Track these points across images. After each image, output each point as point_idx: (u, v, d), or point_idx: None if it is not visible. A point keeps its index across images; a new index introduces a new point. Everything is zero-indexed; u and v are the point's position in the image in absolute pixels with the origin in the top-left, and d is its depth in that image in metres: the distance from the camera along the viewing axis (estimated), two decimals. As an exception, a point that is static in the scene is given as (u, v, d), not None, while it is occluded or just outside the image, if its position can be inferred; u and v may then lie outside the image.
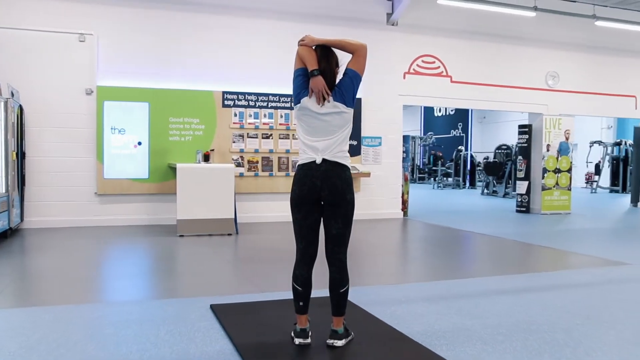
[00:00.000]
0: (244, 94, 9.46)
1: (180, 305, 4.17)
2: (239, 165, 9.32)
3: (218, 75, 9.36)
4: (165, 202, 8.88)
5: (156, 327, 3.62)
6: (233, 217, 8.00)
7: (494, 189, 17.61)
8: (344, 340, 3.28)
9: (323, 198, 3.22)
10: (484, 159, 21.83)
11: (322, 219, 3.31)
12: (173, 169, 8.78)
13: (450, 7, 10.57)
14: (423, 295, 4.68)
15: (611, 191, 19.48)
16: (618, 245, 7.86)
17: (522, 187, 12.10)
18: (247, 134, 9.49)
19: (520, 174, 12.14)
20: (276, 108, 9.64)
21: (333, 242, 3.29)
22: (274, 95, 9.62)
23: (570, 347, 3.39)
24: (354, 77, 3.27)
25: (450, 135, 28.74)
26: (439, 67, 10.92)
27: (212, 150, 9.08)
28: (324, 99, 3.20)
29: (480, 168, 19.16)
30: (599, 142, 20.30)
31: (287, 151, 9.69)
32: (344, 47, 3.28)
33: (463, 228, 9.34)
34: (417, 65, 10.75)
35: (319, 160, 3.21)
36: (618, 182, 19.14)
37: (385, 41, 10.44)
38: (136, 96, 8.86)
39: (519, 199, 12.15)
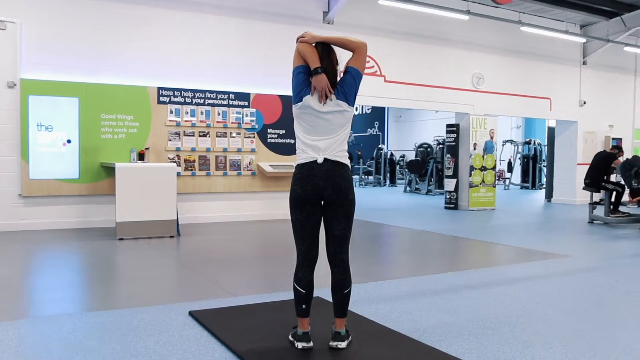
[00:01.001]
0: (180, 90, 9.09)
1: (155, 313, 3.90)
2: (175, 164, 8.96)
3: (153, 71, 8.94)
4: (98, 203, 8.37)
5: (141, 338, 3.36)
6: (175, 218, 7.67)
7: (417, 186, 18.11)
8: (346, 341, 3.20)
9: (326, 198, 3.13)
10: (401, 157, 22.48)
11: (322, 220, 3.21)
12: (106, 169, 8.30)
13: (385, 8, 10.73)
14: (396, 292, 4.68)
15: (522, 187, 20.63)
16: (551, 238, 8.29)
17: (450, 184, 12.51)
18: (184, 131, 9.13)
19: (449, 172, 12.54)
20: (213, 105, 9.35)
21: (336, 243, 3.19)
22: (211, 92, 9.33)
23: (557, 337, 3.50)
24: (356, 76, 3.20)
25: (367, 133, 29.31)
26: (373, 66, 11.05)
27: (147, 148, 8.66)
28: (326, 97, 3.11)
29: (402, 166, 19.65)
30: (511, 141, 21.41)
31: (225, 150, 9.42)
32: (345, 45, 3.20)
33: (401, 225, 9.51)
34: (353, 64, 10.79)
35: (320, 160, 3.12)
36: (528, 179, 20.28)
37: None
38: (65, 91, 8.27)
39: (448, 196, 12.56)
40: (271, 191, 9.87)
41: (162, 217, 7.55)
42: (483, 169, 12.39)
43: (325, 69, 3.11)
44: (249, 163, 9.63)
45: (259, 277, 5.51)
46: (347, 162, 3.20)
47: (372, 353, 3.16)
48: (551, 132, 15.13)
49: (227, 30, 9.54)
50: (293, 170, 3.24)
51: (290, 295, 3.34)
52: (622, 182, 9.94)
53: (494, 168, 12.64)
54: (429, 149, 18.38)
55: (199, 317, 3.74)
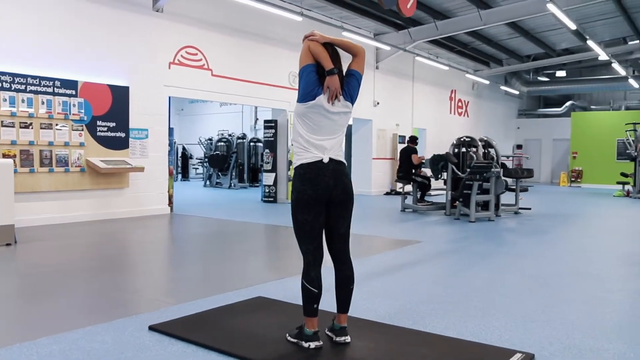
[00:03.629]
0: (-5, 73, 7.84)
1: (111, 331, 3.47)
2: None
3: (-37, 49, 7.54)
4: None
5: (130, 360, 3.00)
6: (12, 223, 6.64)
7: (218, 180, 18.10)
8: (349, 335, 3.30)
9: (334, 197, 3.18)
10: (182, 150, 22.18)
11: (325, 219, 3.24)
12: None
13: (216, 0, 10.59)
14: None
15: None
16: (385, 225, 9.16)
17: (269, 178, 12.87)
18: (2, 122, 7.89)
19: (268, 166, 12.89)
20: (37, 93, 8.23)
21: (342, 241, 3.27)
22: (34, 77, 8.19)
23: (505, 304, 4.06)
24: (359, 79, 3.30)
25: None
26: (201, 59, 10.83)
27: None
28: (335, 98, 3.16)
29: (201, 159, 19.43)
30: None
31: (51, 143, 8.38)
32: (349, 48, 3.27)
33: (244, 220, 9.56)
34: (182, 56, 10.46)
35: (326, 160, 3.16)
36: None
37: (151, 27, 9.88)
38: None
39: (267, 190, 12.90)
40: (103, 189, 9.07)
41: (-4, 222, 6.48)
42: (299, 163, 12.99)
43: (339, 71, 3.16)
44: (78, 158, 8.71)
45: (159, 283, 5.15)
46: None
47: (370, 342, 3.31)
48: (348, 129, 16.48)
49: (51, 6, 8.47)
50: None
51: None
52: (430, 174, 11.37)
53: (308, 163, 13.34)
54: (228, 144, 18.49)
55: (166, 330, 3.45)
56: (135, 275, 5.41)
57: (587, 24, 16.45)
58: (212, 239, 7.73)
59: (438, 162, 10.70)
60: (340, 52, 3.30)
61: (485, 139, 11.08)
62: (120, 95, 9.30)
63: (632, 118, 20.29)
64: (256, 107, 23.84)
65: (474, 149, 10.61)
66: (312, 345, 3.18)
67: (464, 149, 10.77)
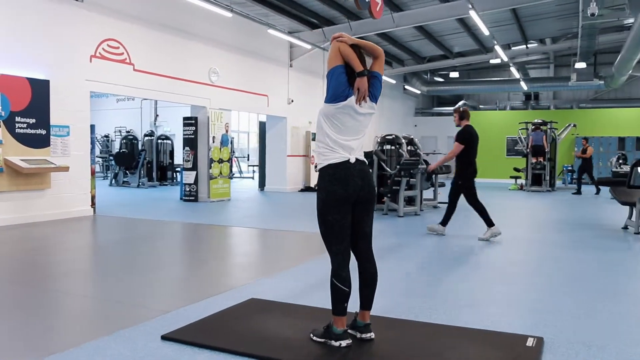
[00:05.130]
0: None
1: (119, 346, 3.31)
2: None
3: None
4: None
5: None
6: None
7: (125, 179, 17.33)
8: (372, 332, 3.40)
9: (362, 197, 3.26)
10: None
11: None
12: None
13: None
14: (290, 286, 4.88)
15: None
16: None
17: (190, 177, 12.56)
18: None
19: (188, 165, 12.57)
20: (-51, 86, 7.49)
21: (367, 239, 3.36)
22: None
23: (501, 293, 4.35)
24: (381, 80, 3.38)
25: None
26: (122, 53, 10.35)
27: None
28: (363, 99, 3.24)
29: (104, 158, 18.49)
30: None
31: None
32: (373, 51, 3.34)
33: (175, 219, 9.30)
34: (103, 49, 9.93)
35: (352, 160, 3.24)
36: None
37: (71, 17, 9.30)
38: None
39: (188, 189, 12.58)
40: (23, 190, 8.42)
41: None
42: (220, 161, 12.82)
43: (368, 72, 3.23)
44: (-5, 158, 8.03)
45: (133, 291, 4.93)
46: None
47: (390, 337, 3.43)
48: (262, 126, 16.44)
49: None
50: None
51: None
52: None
53: (229, 160, 13.19)
54: (134, 141, 17.76)
55: (180, 337, 3.36)
56: (101, 282, 5.13)
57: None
58: (157, 241, 7.45)
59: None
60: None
61: (409, 136, 11.56)
62: (40, 89, 8.66)
63: (519, 117, 22.03)
64: (156, 102, 23.09)
65: (398, 146, 11.04)
66: (343, 343, 3.23)
67: (388, 146, 11.17)
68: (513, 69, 19.76)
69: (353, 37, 3.32)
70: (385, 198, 10.47)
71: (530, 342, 3.34)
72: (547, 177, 16.95)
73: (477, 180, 7.67)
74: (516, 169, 18.03)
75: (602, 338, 3.50)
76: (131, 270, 5.52)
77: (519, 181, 18.19)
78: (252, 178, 22.45)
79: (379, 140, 11.36)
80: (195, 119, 12.58)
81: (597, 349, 3.29)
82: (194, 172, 12.52)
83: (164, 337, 3.41)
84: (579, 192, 15.76)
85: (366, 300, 3.38)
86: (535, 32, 18.25)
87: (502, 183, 20.48)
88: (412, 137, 11.66)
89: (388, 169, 10.52)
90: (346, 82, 3.20)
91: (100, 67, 9.85)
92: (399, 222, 9.36)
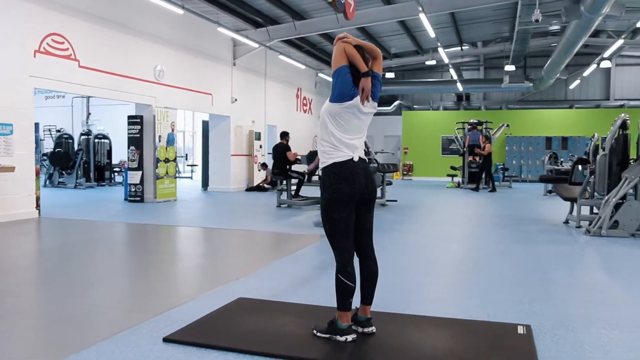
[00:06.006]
0: None
1: (121, 348, 3.25)
2: None
3: None
4: None
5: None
6: None
7: (61, 179, 16.63)
8: (373, 325, 3.51)
9: (366, 194, 3.35)
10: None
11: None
12: None
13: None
14: (269, 285, 4.92)
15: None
16: (274, 220, 9.33)
17: (135, 177, 12.25)
18: None
19: (134, 164, 12.25)
20: None
21: (369, 236, 3.45)
22: None
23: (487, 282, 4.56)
24: (380, 80, 3.48)
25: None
26: (68, 48, 9.97)
27: None
28: (366, 99, 3.33)
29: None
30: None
31: None
32: (372, 51, 3.42)
33: (126, 221, 9.07)
34: (48, 44, 9.54)
35: (356, 158, 3.33)
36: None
37: (14, 9, 8.88)
38: None
39: (133, 189, 12.26)
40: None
41: None
42: (167, 160, 12.58)
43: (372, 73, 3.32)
44: None
45: (113, 295, 4.80)
46: None
47: (389, 330, 3.55)
48: (205, 125, 16.23)
49: None
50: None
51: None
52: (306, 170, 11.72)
53: (175, 160, 12.96)
54: (69, 140, 17.08)
55: (182, 338, 3.35)
56: (78, 288, 4.96)
57: (421, 32, 18.20)
58: (117, 243, 7.27)
59: (314, 158, 11.11)
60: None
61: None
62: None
63: (452, 117, 22.85)
64: (88, 100, 22.33)
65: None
66: (349, 338, 3.31)
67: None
68: (452, 71, 20.47)
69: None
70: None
71: (521, 330, 3.55)
72: (483, 176, 17.65)
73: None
74: (453, 167, 18.68)
75: (581, 323, 3.76)
76: (97, 275, 5.37)
77: (456, 179, 18.85)
78: (191, 178, 22.12)
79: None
80: (141, 117, 12.28)
81: (580, 333, 3.54)
82: (140, 172, 12.22)
83: (166, 339, 3.37)
84: (493, 189, 16.31)
85: (367, 295, 3.47)
86: (470, 35, 19.00)
87: (438, 181, 21.13)
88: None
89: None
90: (351, 82, 3.27)
91: (45, 63, 9.46)
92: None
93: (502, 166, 20.27)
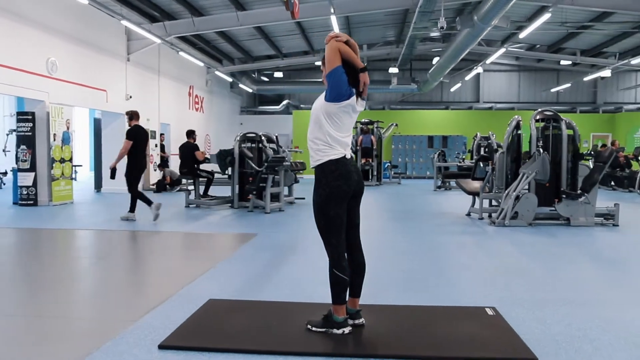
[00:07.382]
0: None
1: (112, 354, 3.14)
2: None
3: None
4: None
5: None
6: None
7: None
8: (361, 317, 3.66)
9: (357, 191, 3.50)
10: None
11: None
12: None
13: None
14: (232, 284, 4.93)
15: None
16: (196, 222, 9.16)
17: (27, 179, 11.35)
18: None
19: (25, 165, 11.35)
20: None
21: (357, 230, 3.60)
22: None
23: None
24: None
25: None
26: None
27: None
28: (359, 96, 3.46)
29: None
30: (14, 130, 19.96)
31: None
32: (355, 45, 3.51)
33: (31, 227, 8.46)
34: None
35: (348, 155, 3.47)
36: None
37: None
38: None
39: (25, 192, 11.36)
40: None
41: None
42: (62, 160, 11.82)
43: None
44: None
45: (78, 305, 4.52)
46: None
47: (377, 321, 3.73)
48: (97, 123, 15.40)
49: None
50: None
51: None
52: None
53: (71, 160, 12.21)
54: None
55: (180, 342, 3.30)
56: (37, 297, 4.61)
57: (313, 33, 18.64)
58: (42, 251, 6.76)
59: (225, 157, 11.04)
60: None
61: (269, 134, 11.84)
62: None
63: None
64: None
65: (259, 144, 11.26)
66: (346, 330, 3.44)
67: (249, 144, 11.33)
68: (392, 69, 21.04)
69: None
70: (250, 195, 10.63)
71: (490, 312, 3.89)
72: (375, 173, 18.43)
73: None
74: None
75: (537, 303, 4.20)
76: (37, 285, 5.03)
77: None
78: (75, 179, 20.73)
79: (239, 138, 11.44)
80: (33, 114, 11.41)
81: (539, 312, 3.96)
82: (32, 174, 11.35)
83: (162, 346, 3.27)
84: None
85: (356, 288, 3.61)
86: (360, 37, 19.69)
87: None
88: (271, 135, 11.96)
89: (255, 166, 10.70)
90: (347, 82, 3.37)
91: None
92: (270, 218, 9.58)
93: (389, 164, 21.24)
